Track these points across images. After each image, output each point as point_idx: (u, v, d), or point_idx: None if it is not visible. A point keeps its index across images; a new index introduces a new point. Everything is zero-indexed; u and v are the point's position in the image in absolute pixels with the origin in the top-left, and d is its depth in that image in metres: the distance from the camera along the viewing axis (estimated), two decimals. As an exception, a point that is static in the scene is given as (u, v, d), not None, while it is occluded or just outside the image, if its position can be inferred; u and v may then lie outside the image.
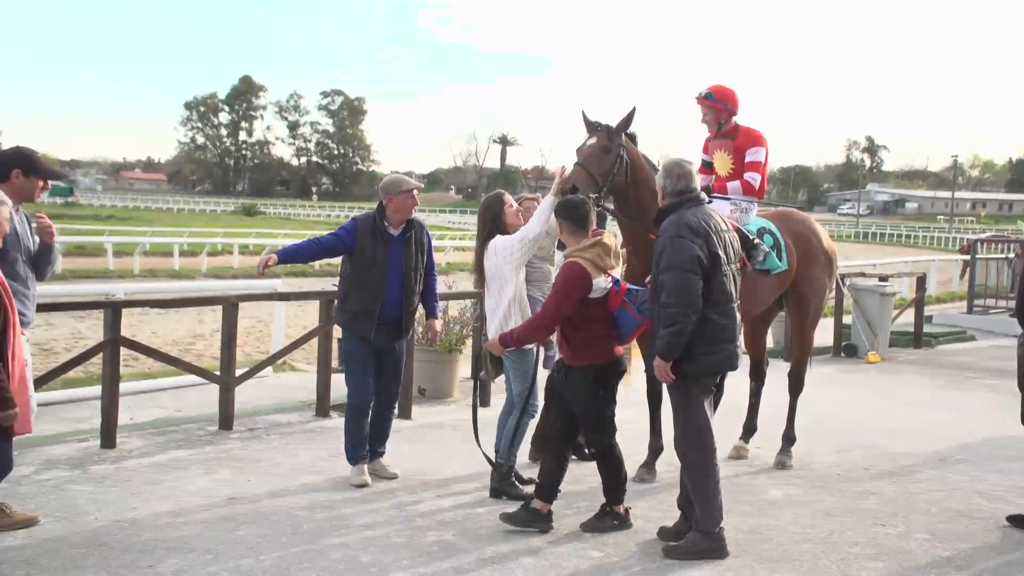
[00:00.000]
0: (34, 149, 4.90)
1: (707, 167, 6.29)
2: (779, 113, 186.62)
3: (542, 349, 5.70)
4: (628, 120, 5.55)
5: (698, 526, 4.59)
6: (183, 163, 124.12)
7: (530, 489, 5.55)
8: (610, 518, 4.92)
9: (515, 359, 5.42)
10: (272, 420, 7.46)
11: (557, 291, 4.82)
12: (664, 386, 4.83)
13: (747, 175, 6.05)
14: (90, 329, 12.98)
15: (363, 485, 5.63)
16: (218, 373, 7.34)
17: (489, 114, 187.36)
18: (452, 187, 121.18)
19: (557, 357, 5.83)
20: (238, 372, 7.36)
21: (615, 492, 4.97)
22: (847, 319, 12.46)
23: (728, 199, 6.06)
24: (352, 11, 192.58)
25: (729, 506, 5.30)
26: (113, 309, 6.60)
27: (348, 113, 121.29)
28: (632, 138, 5.70)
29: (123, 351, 6.73)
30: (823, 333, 13.10)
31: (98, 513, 5.03)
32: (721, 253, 4.54)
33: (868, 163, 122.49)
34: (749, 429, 6.63)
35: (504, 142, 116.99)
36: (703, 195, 4.76)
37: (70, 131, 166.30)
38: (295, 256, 5.85)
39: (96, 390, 7.43)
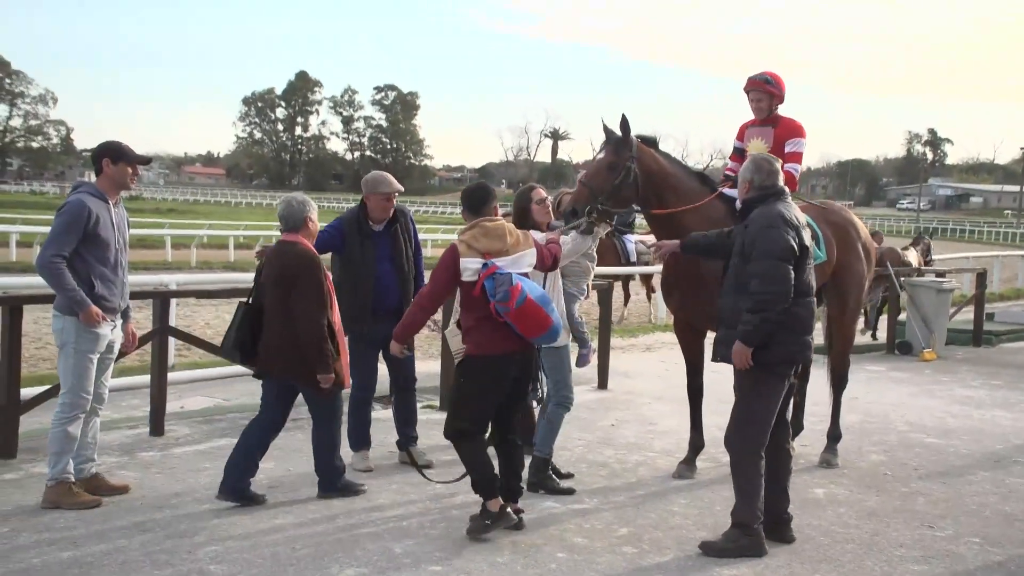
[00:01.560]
0: (119, 140, 5.14)
1: (739, 154, 6.11)
2: (835, 105, 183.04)
3: (575, 345, 5.68)
4: (624, 129, 5.44)
5: (737, 519, 4.53)
6: (240, 157, 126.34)
7: (569, 483, 5.54)
8: (483, 517, 4.65)
9: (547, 353, 5.41)
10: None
11: (436, 268, 4.79)
12: (734, 374, 4.70)
13: (788, 165, 5.81)
14: (147, 319, 13.23)
15: (367, 470, 5.81)
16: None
17: (542, 108, 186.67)
18: (504, 181, 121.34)
19: (593, 354, 5.82)
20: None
21: (484, 487, 4.67)
22: (903, 316, 12.13)
23: None
24: (407, 4, 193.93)
25: (770, 504, 5.22)
26: (162, 299, 6.74)
27: (401, 108, 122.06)
28: (650, 143, 5.64)
29: (175, 341, 6.85)
30: (879, 330, 12.87)
31: (144, 499, 5.14)
32: (808, 245, 4.68)
33: (930, 156, 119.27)
34: (794, 426, 6.45)
35: (555, 136, 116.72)
36: (787, 191, 4.84)
37: (134, 127, 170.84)
38: None
39: (144, 379, 7.61)
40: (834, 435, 6.33)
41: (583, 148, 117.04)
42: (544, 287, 5.26)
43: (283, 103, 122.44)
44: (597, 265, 5.97)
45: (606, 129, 5.54)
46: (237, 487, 5.08)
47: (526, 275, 4.69)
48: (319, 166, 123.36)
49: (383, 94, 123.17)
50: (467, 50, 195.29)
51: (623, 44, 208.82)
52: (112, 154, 5.05)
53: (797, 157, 5.88)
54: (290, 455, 6.15)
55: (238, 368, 8.18)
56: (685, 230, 5.33)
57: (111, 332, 5.11)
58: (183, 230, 30.91)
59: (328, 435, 5.30)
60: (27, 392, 6.27)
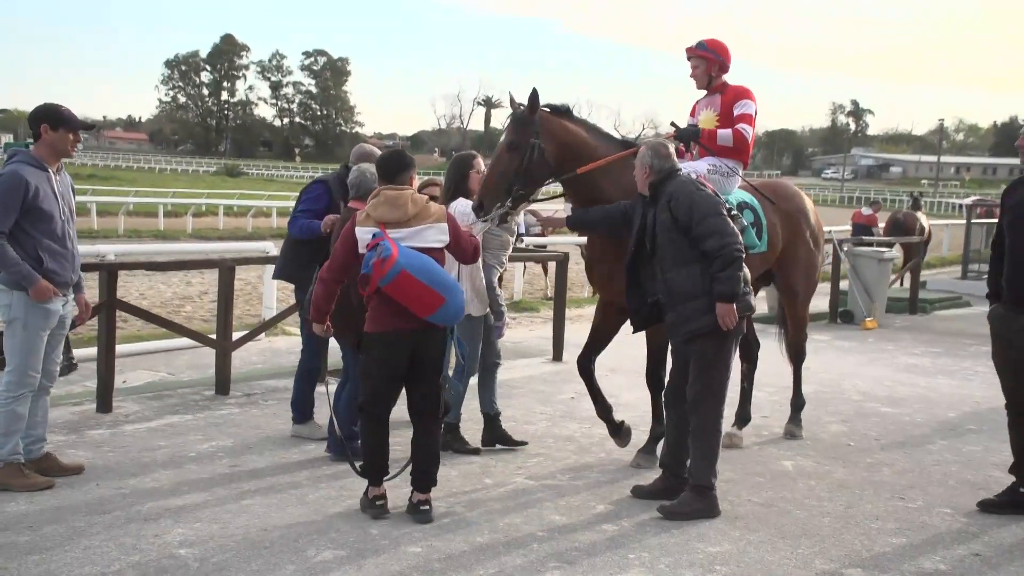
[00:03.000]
0: (59, 104, 4.80)
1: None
2: (763, 76, 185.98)
3: (491, 317, 5.65)
4: (532, 104, 5.07)
5: (695, 481, 4.62)
6: (164, 123, 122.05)
7: (538, 460, 5.48)
8: (364, 498, 4.58)
9: (463, 324, 5.14)
10: (268, 386, 7.31)
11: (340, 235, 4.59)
12: (685, 348, 4.76)
13: (739, 126, 5.59)
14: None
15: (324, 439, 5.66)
16: (214, 337, 7.18)
17: (476, 77, 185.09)
18: (436, 149, 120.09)
19: (504, 328, 5.79)
20: (234, 336, 7.19)
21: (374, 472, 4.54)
22: (844, 285, 12.40)
23: (712, 156, 5.63)
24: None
25: (740, 477, 5.27)
26: (108, 271, 6.41)
27: (331, 74, 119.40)
28: (561, 111, 5.28)
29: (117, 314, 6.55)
30: (819, 299, 13.13)
31: (99, 480, 4.89)
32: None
33: (853, 127, 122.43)
34: (743, 417, 6.19)
35: (488, 104, 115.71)
36: (682, 170, 4.95)
37: (49, 90, 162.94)
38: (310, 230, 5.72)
39: (86, 351, 7.26)
40: (797, 405, 6.40)
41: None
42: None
43: (208, 67, 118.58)
44: None
45: (512, 103, 5.20)
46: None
47: (432, 252, 4.40)
48: (247, 132, 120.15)
49: (312, 59, 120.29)
50: (400, 17, 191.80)
51: (560, 17, 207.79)
52: (52, 119, 4.72)
53: (748, 119, 5.63)
54: (248, 432, 5.94)
55: (181, 340, 7.93)
56: (604, 195, 5.21)
57: (62, 307, 4.83)
58: (109, 197, 29.82)
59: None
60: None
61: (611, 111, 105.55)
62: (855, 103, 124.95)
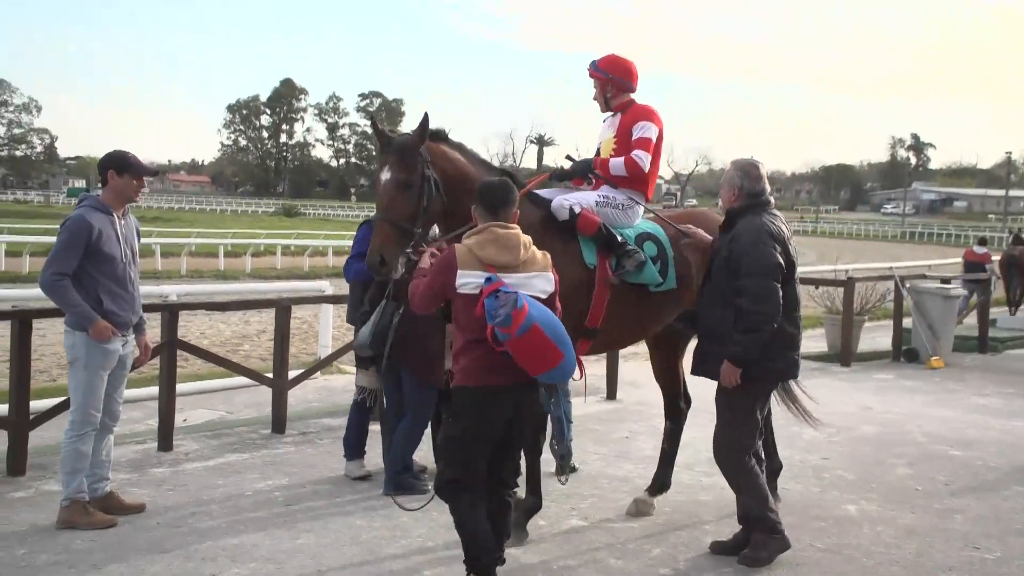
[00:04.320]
0: (126, 151, 5.00)
1: (598, 155, 5.27)
2: (819, 110, 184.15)
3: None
4: (422, 131, 4.34)
5: (758, 524, 4.48)
6: (225, 165, 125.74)
7: (592, 501, 5.38)
8: None
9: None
10: (323, 424, 7.36)
11: (431, 269, 3.97)
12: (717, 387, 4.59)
13: (634, 153, 4.93)
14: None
15: (365, 477, 5.80)
16: (270, 376, 7.27)
17: (527, 114, 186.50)
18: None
19: None
20: (290, 375, 7.28)
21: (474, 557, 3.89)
22: (907, 323, 12.06)
23: (609, 186, 5.00)
24: (393, 13, 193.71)
25: (802, 522, 5.10)
26: (170, 311, 6.56)
27: (387, 114, 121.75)
28: (439, 136, 4.56)
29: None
30: (882, 336, 12.79)
31: (159, 518, 4.96)
32: (794, 260, 4.57)
33: (914, 161, 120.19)
34: (660, 483, 5.39)
35: (541, 142, 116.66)
36: (771, 199, 4.67)
37: (118, 135, 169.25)
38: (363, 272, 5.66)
39: (148, 391, 7.43)
40: (662, 480, 5.46)
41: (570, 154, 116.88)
42: None
43: (268, 110, 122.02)
44: None
45: (380, 135, 4.41)
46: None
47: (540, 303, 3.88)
48: (304, 172, 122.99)
49: (368, 101, 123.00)
50: (451, 57, 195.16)
51: (611, 51, 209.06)
52: (117, 165, 4.91)
53: (645, 144, 4.96)
54: (304, 471, 5.98)
55: (239, 379, 8.06)
56: None
57: (122, 347, 4.95)
58: (172, 239, 30.68)
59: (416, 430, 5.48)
60: (38, 406, 6.09)
61: (664, 146, 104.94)
62: (915, 136, 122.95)
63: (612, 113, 5.21)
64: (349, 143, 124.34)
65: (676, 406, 5.51)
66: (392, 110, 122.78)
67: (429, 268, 3.98)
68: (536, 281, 3.89)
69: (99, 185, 5.07)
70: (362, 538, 4.77)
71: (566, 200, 4.83)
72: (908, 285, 12.22)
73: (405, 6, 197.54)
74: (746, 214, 4.51)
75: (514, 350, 3.72)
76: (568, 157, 5.28)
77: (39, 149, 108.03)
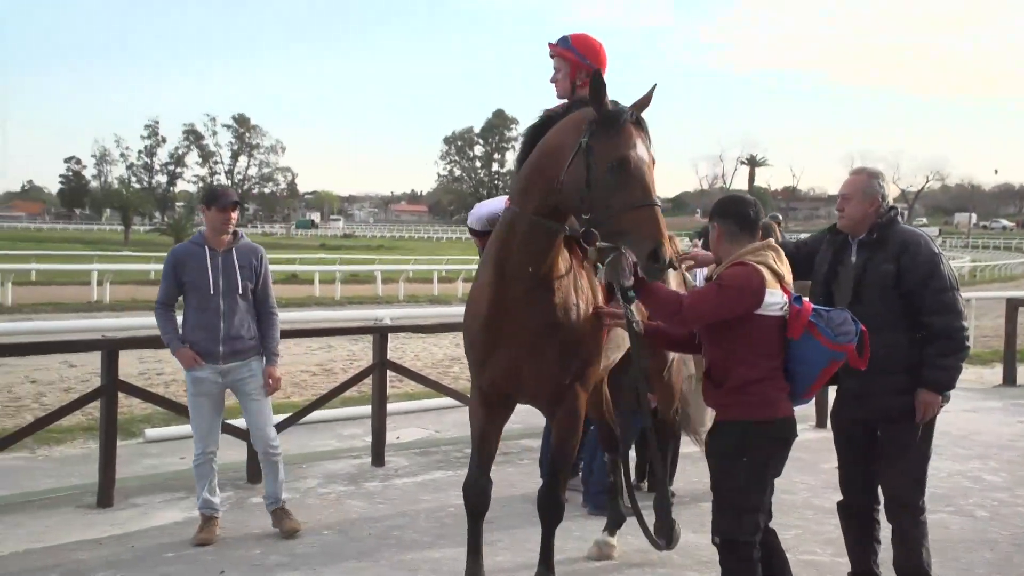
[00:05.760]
0: (217, 184, 5.40)
1: None
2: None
3: None
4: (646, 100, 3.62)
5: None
6: (442, 194, 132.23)
7: (794, 531, 5.16)
8: None
9: None
10: (524, 444, 7.56)
11: (723, 287, 3.50)
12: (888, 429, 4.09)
13: None
14: (363, 351, 13.99)
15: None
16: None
17: (737, 136, 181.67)
18: (698, 210, 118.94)
19: None
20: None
21: None
22: None
23: None
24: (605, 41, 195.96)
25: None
26: (381, 334, 7.02)
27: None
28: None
29: (390, 373, 7.13)
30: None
31: (370, 528, 5.33)
32: None
33: None
34: (615, 519, 5.05)
35: (752, 163, 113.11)
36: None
37: (348, 169, 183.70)
38: None
39: (365, 409, 7.97)
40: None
41: (782, 174, 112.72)
42: None
43: (481, 140, 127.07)
44: None
45: (612, 104, 3.53)
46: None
47: None
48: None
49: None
50: (660, 81, 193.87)
51: (823, 68, 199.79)
52: (207, 200, 5.18)
53: None
54: (503, 489, 6.15)
55: (448, 400, 8.43)
56: None
57: (221, 376, 5.09)
58: (392, 265, 32.66)
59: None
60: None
61: (888, 163, 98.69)
62: None
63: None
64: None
65: (612, 436, 5.02)
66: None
67: (709, 288, 3.61)
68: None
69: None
70: (558, 558, 4.84)
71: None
72: None
73: (617, 35, 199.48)
74: (894, 225, 4.11)
75: (830, 372, 3.54)
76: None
77: (282, 186, 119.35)
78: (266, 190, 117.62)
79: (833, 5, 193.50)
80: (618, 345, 4.30)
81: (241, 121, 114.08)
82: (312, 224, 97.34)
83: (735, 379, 3.50)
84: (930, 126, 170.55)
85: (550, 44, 4.40)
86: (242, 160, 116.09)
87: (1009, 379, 11.28)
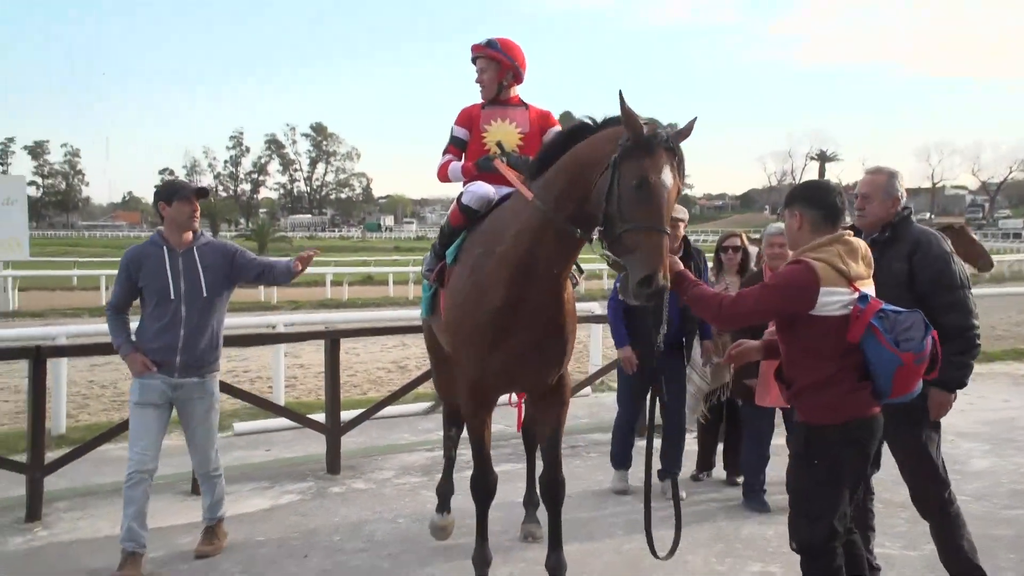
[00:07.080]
0: (175, 179, 5.33)
1: (459, 146, 4.68)
2: None
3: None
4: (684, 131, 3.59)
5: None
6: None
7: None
8: None
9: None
10: (591, 439, 7.72)
11: (766, 286, 3.44)
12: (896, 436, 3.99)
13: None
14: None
15: (624, 491, 6.11)
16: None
17: (806, 132, 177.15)
18: (767, 206, 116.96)
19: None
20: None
21: None
22: None
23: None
24: (663, 38, 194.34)
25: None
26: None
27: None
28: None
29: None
30: None
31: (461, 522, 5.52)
32: None
33: None
34: (532, 502, 5.38)
35: (822, 158, 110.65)
36: None
37: (417, 171, 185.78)
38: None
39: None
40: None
41: (854, 168, 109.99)
42: None
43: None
44: None
45: (645, 126, 3.45)
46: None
47: None
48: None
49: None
50: (732, 79, 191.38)
51: (898, 59, 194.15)
52: (165, 195, 4.60)
53: None
54: (571, 483, 6.28)
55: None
56: None
57: (172, 389, 4.62)
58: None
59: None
60: (347, 416, 7.03)
61: (966, 155, 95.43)
62: None
63: (497, 103, 4.66)
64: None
65: (530, 434, 5.54)
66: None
67: (760, 288, 3.47)
68: (871, 292, 3.44)
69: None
70: (623, 548, 5.01)
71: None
72: None
73: (682, 37, 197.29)
74: (908, 224, 4.16)
75: (903, 375, 3.29)
76: (499, 145, 4.59)
77: (358, 191, 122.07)
78: (343, 195, 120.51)
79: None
80: None
81: (319, 129, 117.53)
82: (379, 227, 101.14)
83: (797, 382, 3.43)
84: (1015, 115, 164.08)
85: (475, 46, 4.66)
86: (320, 167, 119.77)
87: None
